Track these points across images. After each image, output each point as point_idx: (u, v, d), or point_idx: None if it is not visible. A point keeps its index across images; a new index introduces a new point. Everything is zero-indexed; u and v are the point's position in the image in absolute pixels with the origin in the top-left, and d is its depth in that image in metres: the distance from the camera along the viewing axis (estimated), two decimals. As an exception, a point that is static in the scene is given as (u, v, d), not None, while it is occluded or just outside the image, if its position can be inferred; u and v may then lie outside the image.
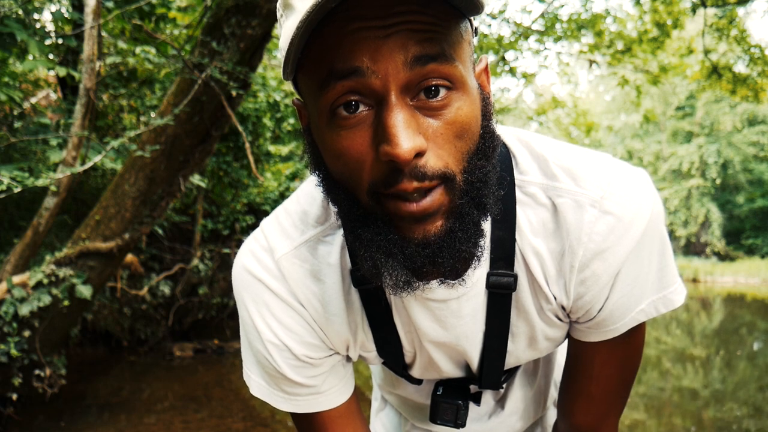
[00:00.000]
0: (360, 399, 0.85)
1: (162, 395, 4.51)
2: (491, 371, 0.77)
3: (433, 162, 0.52)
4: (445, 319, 0.70)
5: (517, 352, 0.75)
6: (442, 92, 0.52)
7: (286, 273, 0.70)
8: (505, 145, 0.69)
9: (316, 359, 0.74)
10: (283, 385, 0.75)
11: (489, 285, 0.68)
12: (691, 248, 22.39)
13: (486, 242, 0.66)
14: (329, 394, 0.77)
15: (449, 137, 0.53)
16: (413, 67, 0.50)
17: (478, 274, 0.67)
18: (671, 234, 22.61)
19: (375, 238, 0.55)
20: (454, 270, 0.58)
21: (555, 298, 0.69)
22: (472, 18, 0.58)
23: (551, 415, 0.99)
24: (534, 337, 0.73)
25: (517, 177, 0.67)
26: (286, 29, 0.54)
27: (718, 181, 21.42)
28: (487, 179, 0.57)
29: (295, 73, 0.56)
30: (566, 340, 0.80)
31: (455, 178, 0.54)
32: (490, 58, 9.50)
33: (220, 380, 5.00)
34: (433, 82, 0.52)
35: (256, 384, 0.77)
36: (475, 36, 0.61)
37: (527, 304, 0.70)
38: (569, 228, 0.64)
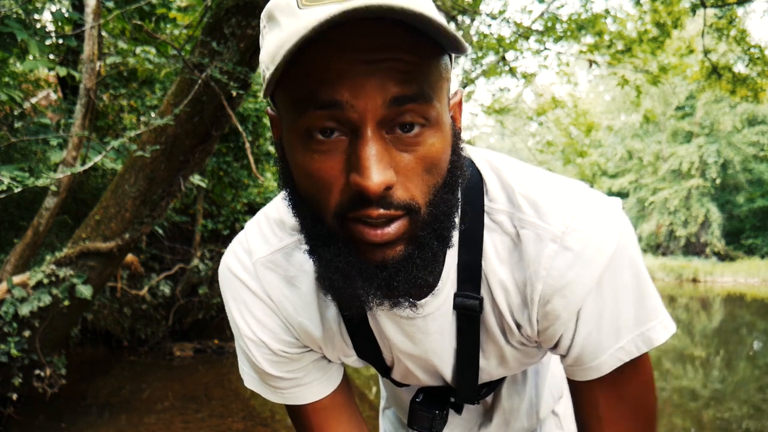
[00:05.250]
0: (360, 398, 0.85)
1: (162, 395, 4.51)
2: (465, 386, 0.78)
3: (400, 193, 0.54)
4: (413, 334, 0.72)
5: (489, 369, 0.77)
6: (416, 128, 0.54)
7: (261, 275, 0.72)
8: (477, 171, 0.69)
9: (292, 354, 0.76)
10: (265, 378, 0.78)
11: (455, 306, 0.69)
12: (691, 248, 22.39)
13: (452, 265, 0.68)
14: (312, 386, 0.79)
15: (419, 171, 0.55)
16: (391, 106, 0.51)
17: (445, 294, 0.69)
18: (671, 234, 22.62)
19: (334, 259, 0.57)
20: (407, 295, 0.60)
21: (519, 327, 0.70)
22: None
23: (548, 425, 1.00)
24: (504, 357, 0.75)
25: (487, 204, 0.67)
26: (268, 43, 0.55)
27: (718, 181, 21.42)
28: (450, 212, 0.59)
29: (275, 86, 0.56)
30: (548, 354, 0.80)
31: (420, 210, 0.56)
32: (490, 58, 9.49)
33: (220, 380, 5.00)
34: (409, 119, 0.53)
35: (249, 376, 0.81)
36: (453, 68, 0.62)
37: (493, 328, 0.71)
38: (529, 260, 0.65)
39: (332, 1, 0.50)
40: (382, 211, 0.53)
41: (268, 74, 0.53)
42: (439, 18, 0.50)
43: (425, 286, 0.63)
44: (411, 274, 0.57)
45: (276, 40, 0.53)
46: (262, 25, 0.59)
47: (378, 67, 0.50)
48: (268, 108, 0.64)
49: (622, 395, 0.71)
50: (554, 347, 0.70)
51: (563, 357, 0.71)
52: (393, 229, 0.54)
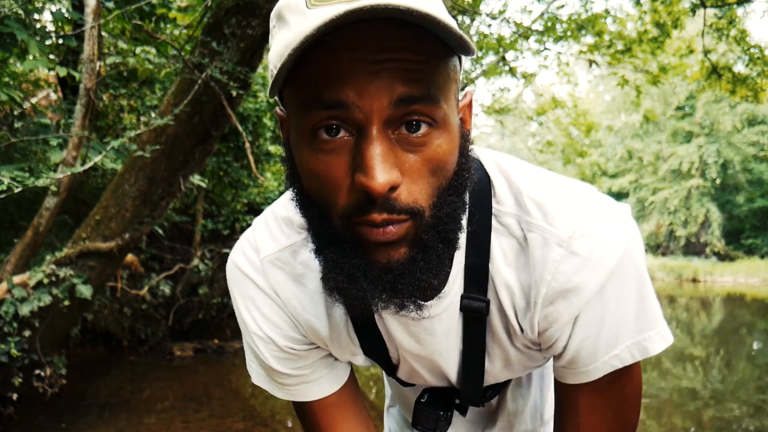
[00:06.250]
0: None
1: (162, 395, 4.51)
2: (470, 388, 0.78)
3: (404, 197, 0.53)
4: (419, 334, 0.72)
5: (494, 372, 0.76)
6: (423, 128, 0.53)
7: (268, 272, 0.73)
8: (485, 173, 0.69)
9: (300, 351, 0.76)
10: (272, 374, 0.78)
11: (462, 307, 0.69)
12: (691, 248, 22.39)
13: (460, 267, 0.68)
14: (319, 383, 0.79)
15: (424, 173, 0.54)
16: (397, 106, 0.51)
17: (452, 296, 0.69)
18: (671, 234, 22.62)
19: (340, 260, 0.57)
20: (413, 298, 0.59)
21: (522, 331, 0.70)
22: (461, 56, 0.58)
23: (551, 427, 0.99)
24: (509, 359, 0.74)
25: (495, 206, 0.67)
26: (277, 43, 0.55)
27: (717, 181, 21.42)
28: (455, 215, 0.58)
29: (281, 85, 0.56)
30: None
31: (424, 214, 0.55)
32: (490, 58, 9.49)
33: (220, 380, 5.00)
34: (415, 118, 0.53)
35: (256, 373, 0.81)
36: (461, 69, 0.61)
37: (499, 330, 0.71)
38: (535, 264, 0.64)
39: (341, 1, 0.50)
40: (385, 215, 0.53)
41: (275, 73, 0.54)
42: (447, 18, 0.50)
43: (431, 288, 0.62)
44: (415, 276, 0.56)
45: (284, 39, 0.53)
46: (271, 25, 0.58)
47: (384, 67, 0.50)
48: (277, 108, 0.64)
49: (607, 403, 0.71)
50: (549, 348, 0.70)
51: (556, 358, 0.71)
52: (396, 228, 0.54)
